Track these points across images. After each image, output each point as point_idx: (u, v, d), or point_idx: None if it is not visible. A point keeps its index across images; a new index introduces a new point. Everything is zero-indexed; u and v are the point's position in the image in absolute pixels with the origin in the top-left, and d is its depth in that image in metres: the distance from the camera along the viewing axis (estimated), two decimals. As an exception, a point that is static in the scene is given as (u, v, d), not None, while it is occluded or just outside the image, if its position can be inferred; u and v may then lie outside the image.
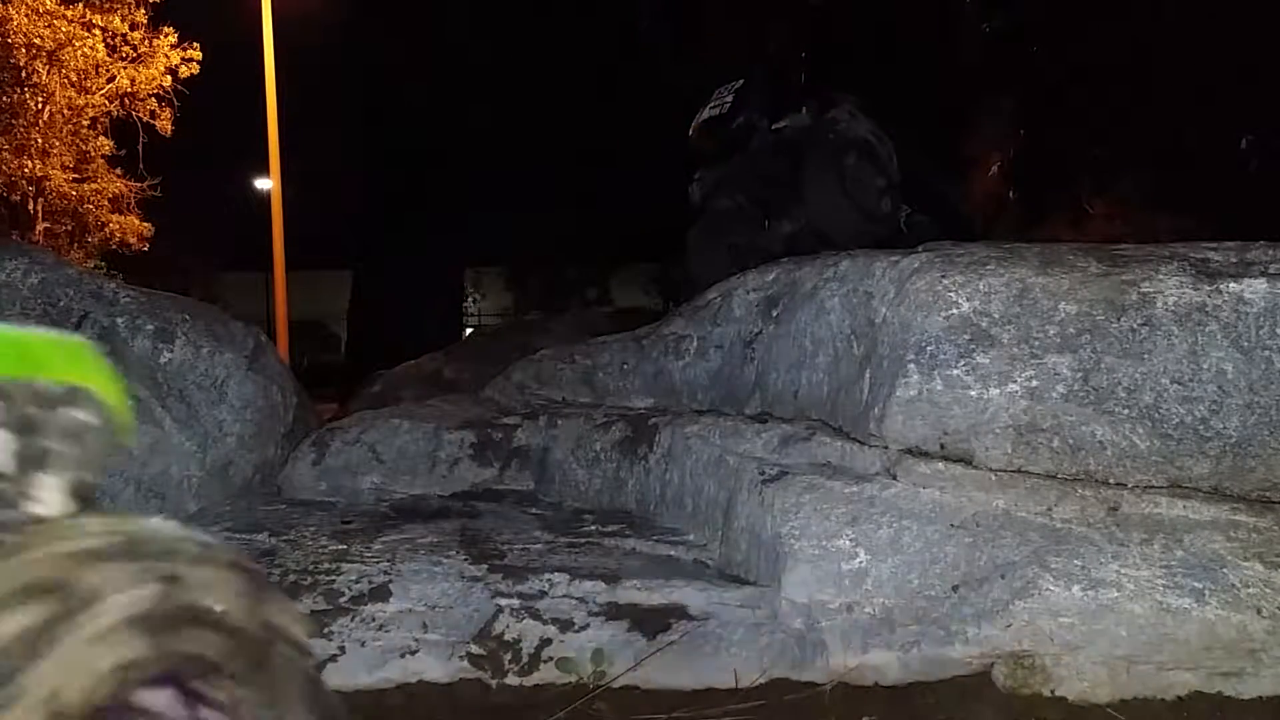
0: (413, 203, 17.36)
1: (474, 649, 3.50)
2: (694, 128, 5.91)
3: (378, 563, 3.88)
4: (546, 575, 3.72)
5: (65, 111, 11.69)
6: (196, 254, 17.28)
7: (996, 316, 3.58)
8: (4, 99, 11.39)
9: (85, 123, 12.00)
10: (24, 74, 11.35)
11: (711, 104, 5.74)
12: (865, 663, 3.37)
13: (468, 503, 5.11)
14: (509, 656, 3.48)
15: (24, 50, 11.16)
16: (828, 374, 4.15)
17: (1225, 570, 3.25)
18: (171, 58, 11.93)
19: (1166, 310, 3.50)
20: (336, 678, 3.47)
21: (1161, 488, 3.41)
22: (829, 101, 5.97)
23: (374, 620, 3.57)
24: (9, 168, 11.34)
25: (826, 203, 5.64)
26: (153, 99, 12.09)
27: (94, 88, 11.81)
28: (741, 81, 5.72)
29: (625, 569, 3.81)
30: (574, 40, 15.54)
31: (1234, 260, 3.62)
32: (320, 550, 4.07)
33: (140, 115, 12.13)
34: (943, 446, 3.53)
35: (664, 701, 3.33)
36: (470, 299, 20.98)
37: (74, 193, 11.88)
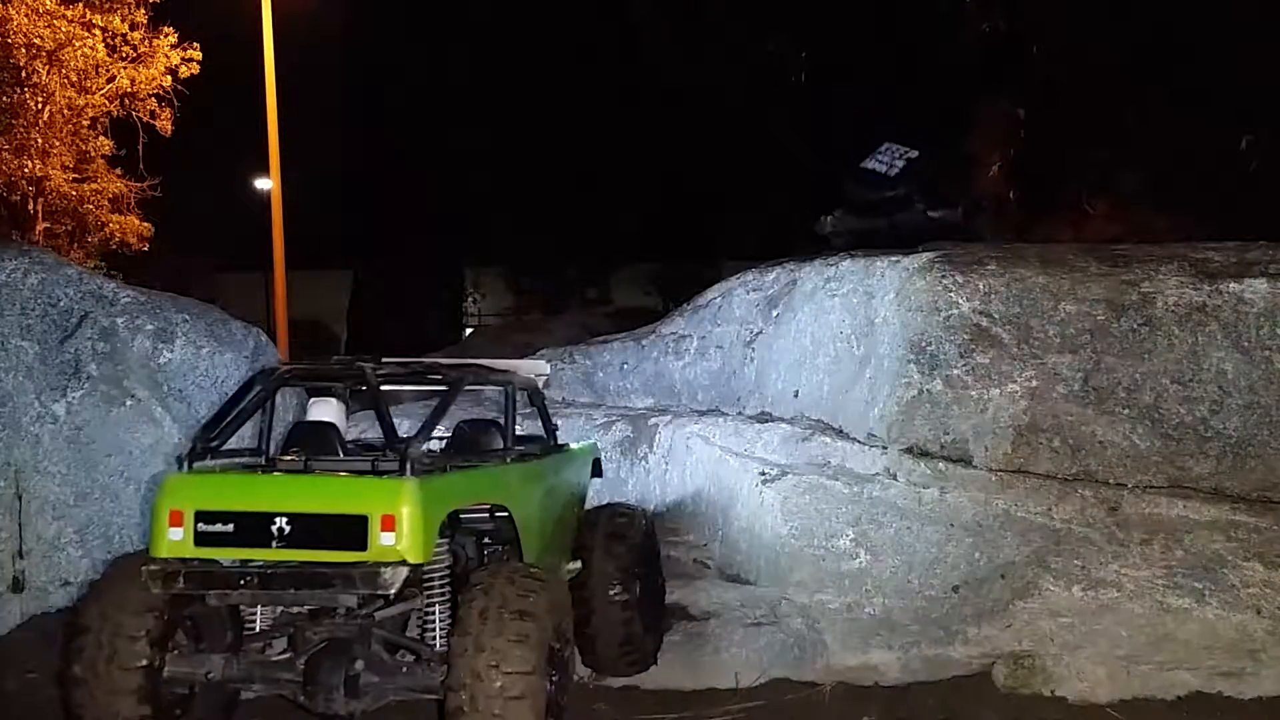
0: (413, 203, 17.38)
1: (474, 649, 3.50)
2: (857, 170, 5.96)
3: (378, 563, 3.87)
4: (546, 575, 3.72)
5: (65, 111, 11.66)
6: (196, 254, 17.27)
7: (997, 316, 3.59)
8: (4, 99, 11.38)
9: (85, 123, 11.98)
10: (24, 74, 11.33)
11: (879, 156, 5.77)
12: (865, 663, 3.38)
13: (468, 503, 5.11)
14: (509, 656, 3.48)
15: (24, 50, 11.14)
16: (828, 374, 4.15)
17: (1225, 570, 3.26)
18: (171, 58, 11.90)
19: (1167, 310, 3.51)
20: (336, 678, 3.48)
21: (1162, 488, 3.41)
22: (977, 207, 6.20)
23: (374, 620, 3.56)
24: (9, 168, 11.32)
25: None
26: (153, 99, 12.07)
27: (94, 88, 11.79)
28: (916, 154, 5.76)
29: (625, 569, 3.81)
30: (575, 39, 15.55)
31: (1234, 260, 3.63)
32: (320, 550, 4.08)
33: (140, 115, 12.11)
34: (943, 446, 3.53)
35: (664, 701, 3.33)
36: (470, 299, 21.00)
37: (74, 193, 11.86)
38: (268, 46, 13.38)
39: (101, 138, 12.31)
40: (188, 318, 5.16)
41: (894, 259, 3.96)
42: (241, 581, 2.20)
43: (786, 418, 4.28)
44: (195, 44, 12.27)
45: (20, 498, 4.32)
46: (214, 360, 5.19)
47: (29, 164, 11.76)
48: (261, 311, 15.25)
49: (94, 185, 12.30)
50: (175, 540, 2.18)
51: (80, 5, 11.59)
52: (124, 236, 12.55)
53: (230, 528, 2.16)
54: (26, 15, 11.26)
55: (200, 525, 2.16)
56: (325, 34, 15.27)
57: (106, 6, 11.81)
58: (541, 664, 2.33)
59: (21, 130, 11.69)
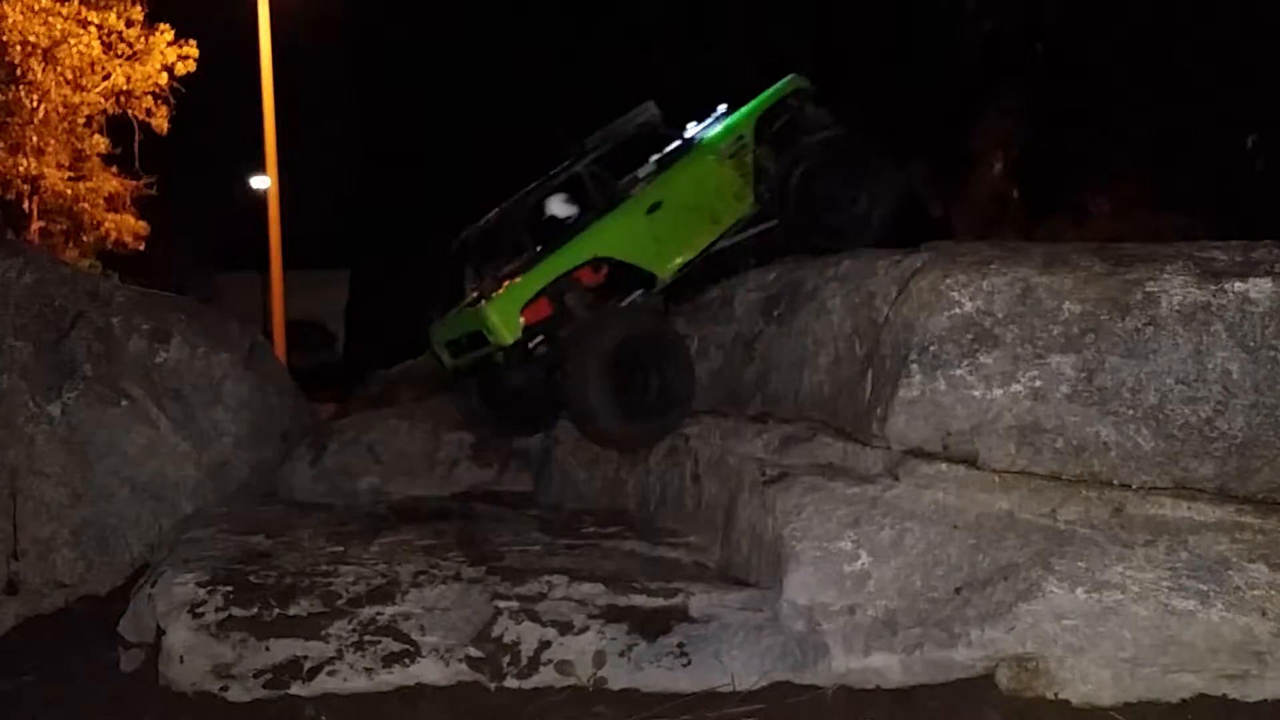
0: (412, 202, 17.35)
1: (473, 651, 3.48)
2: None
3: (375, 565, 3.86)
4: (546, 577, 3.70)
5: (60, 109, 11.62)
6: (193, 253, 17.23)
7: (1000, 316, 3.56)
8: (-1, 97, 11.36)
9: (81, 121, 11.94)
10: (19, 71, 11.30)
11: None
12: (867, 665, 3.35)
13: (466, 504, 5.10)
14: (508, 659, 3.46)
15: (19, 47, 11.10)
16: (829, 374, 4.13)
17: (1230, 572, 3.22)
18: (168, 55, 11.87)
19: (1171, 310, 3.47)
20: (333, 682, 3.45)
21: (1166, 489, 3.38)
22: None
23: (372, 623, 3.54)
24: (3, 166, 11.28)
25: None
26: (149, 97, 12.03)
27: (89, 85, 11.75)
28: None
29: (625, 571, 3.79)
30: (575, 38, 15.52)
31: (1239, 259, 3.60)
32: (317, 552, 4.05)
33: (136, 113, 12.07)
34: (946, 447, 3.51)
35: (663, 704, 3.31)
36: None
37: (69, 191, 11.83)
38: (265, 43, 13.35)
39: (97, 136, 12.26)
40: (184, 317, 5.13)
41: (896, 258, 3.94)
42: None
43: (788, 418, 4.25)
44: (192, 41, 12.22)
45: (15, 499, 4.30)
46: (210, 360, 5.17)
47: (24, 162, 11.72)
48: (259, 311, 15.21)
49: (89, 184, 12.26)
50: (447, 363, 4.40)
51: (75, 2, 11.53)
52: (120, 235, 12.50)
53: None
54: (21, 12, 11.21)
55: (450, 349, 4.41)
56: (323, 31, 15.23)
57: (102, 3, 11.77)
58: None
59: (16, 128, 11.64)
